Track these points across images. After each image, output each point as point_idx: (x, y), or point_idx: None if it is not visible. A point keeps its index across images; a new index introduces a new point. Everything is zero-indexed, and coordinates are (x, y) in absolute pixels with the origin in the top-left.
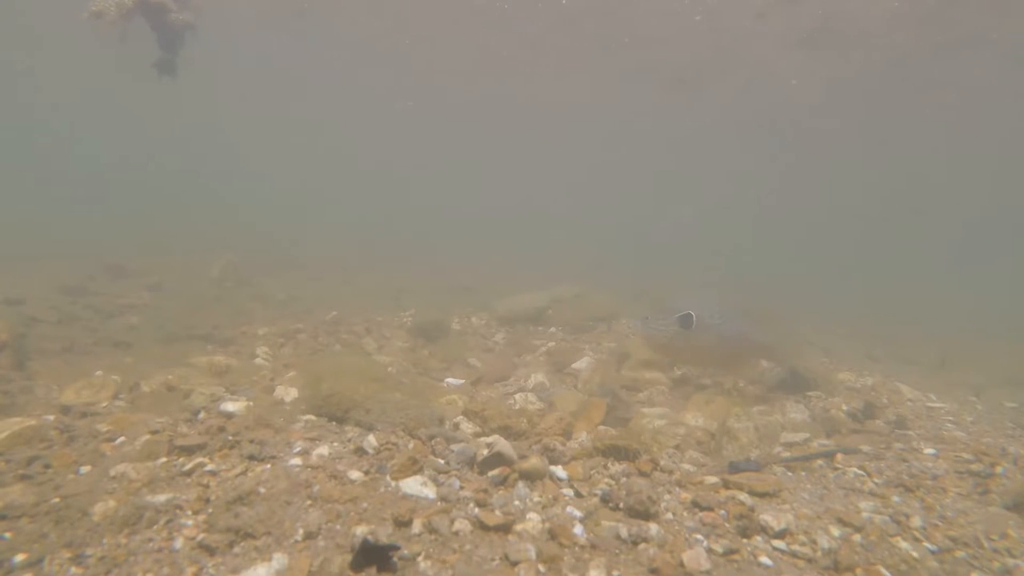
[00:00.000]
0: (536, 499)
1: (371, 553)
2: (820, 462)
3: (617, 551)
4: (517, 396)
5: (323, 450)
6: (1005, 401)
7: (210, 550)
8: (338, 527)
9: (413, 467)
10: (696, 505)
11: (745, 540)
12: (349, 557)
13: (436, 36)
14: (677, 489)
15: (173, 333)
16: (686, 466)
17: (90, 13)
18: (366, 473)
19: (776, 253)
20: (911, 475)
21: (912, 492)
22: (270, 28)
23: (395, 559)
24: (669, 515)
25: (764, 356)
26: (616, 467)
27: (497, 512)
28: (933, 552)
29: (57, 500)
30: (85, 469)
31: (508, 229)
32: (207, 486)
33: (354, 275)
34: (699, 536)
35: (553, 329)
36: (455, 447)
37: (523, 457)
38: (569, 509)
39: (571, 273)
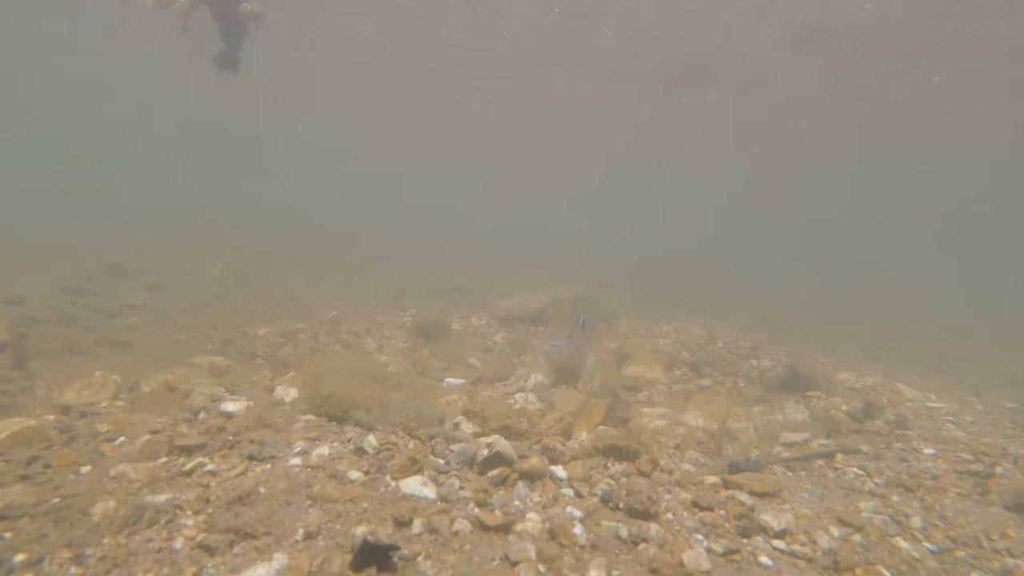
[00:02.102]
0: (536, 499)
1: (371, 553)
2: (820, 462)
3: (617, 551)
4: (517, 396)
5: (323, 450)
6: (1005, 401)
7: (210, 550)
8: (338, 527)
9: (413, 467)
10: (696, 505)
11: (745, 540)
12: (349, 557)
13: (440, 36)
14: (677, 489)
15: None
16: (686, 466)
17: (155, 2)
18: (366, 473)
19: (777, 255)
20: (911, 475)
21: (912, 492)
22: (273, 26)
23: (395, 559)
24: (669, 515)
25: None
26: (616, 467)
27: (497, 512)
28: (933, 552)
29: (57, 500)
30: (85, 469)
31: (508, 229)
32: (207, 486)
33: (355, 275)
34: (699, 536)
35: None
36: (455, 447)
37: (523, 457)
38: (569, 509)
39: (570, 273)
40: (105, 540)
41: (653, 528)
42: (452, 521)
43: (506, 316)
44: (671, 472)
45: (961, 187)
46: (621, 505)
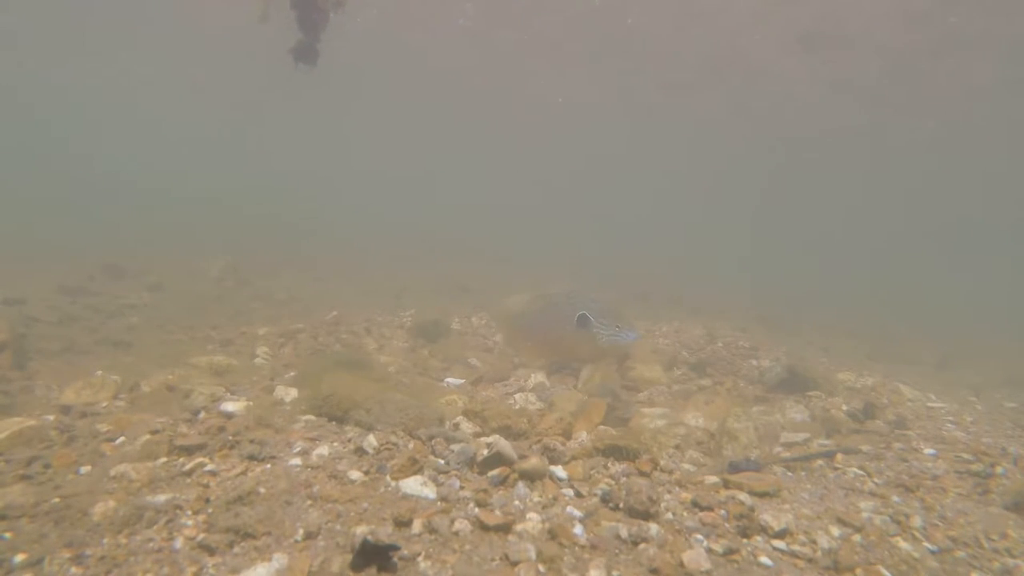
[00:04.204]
0: (536, 499)
1: (371, 553)
2: (820, 462)
3: (617, 551)
4: (517, 396)
5: (323, 450)
6: (1005, 401)
7: (210, 550)
8: (338, 527)
9: (413, 467)
10: (696, 505)
11: (745, 540)
12: (349, 557)
13: (442, 35)
14: (677, 489)
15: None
16: (686, 466)
17: None
18: (366, 473)
19: (777, 255)
20: (911, 475)
21: (912, 492)
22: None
23: (395, 559)
24: (669, 515)
25: None
26: (616, 467)
27: (497, 512)
28: (933, 552)
29: (57, 500)
30: (85, 469)
31: (509, 229)
32: (207, 486)
33: (356, 274)
34: (699, 536)
35: None
36: (455, 447)
37: (523, 457)
38: (569, 509)
39: (571, 273)
40: (105, 540)
41: (653, 528)
42: (452, 521)
43: (506, 316)
44: (671, 472)
45: (958, 186)
46: (621, 505)
